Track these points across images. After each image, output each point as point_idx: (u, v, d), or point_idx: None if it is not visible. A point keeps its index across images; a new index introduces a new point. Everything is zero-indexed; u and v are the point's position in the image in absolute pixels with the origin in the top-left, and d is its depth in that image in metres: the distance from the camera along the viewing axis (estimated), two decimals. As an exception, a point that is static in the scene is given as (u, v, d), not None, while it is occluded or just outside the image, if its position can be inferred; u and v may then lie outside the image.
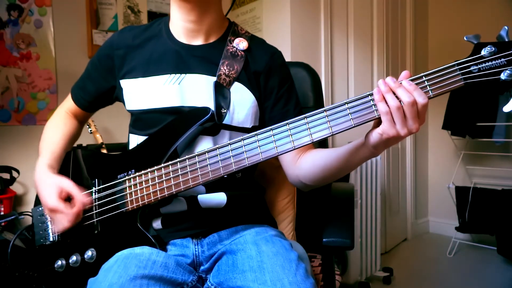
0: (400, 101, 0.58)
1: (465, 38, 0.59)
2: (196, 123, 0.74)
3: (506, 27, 0.57)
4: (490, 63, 0.57)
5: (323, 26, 2.04)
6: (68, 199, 0.76)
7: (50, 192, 0.75)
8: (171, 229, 0.80)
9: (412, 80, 0.59)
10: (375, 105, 0.60)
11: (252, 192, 0.89)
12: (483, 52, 0.57)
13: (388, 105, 0.59)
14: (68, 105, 0.95)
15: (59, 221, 0.74)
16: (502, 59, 0.56)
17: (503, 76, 0.56)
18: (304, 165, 0.80)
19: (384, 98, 0.59)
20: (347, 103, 0.62)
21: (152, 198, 0.72)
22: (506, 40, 0.57)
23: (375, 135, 0.62)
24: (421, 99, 0.58)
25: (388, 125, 0.59)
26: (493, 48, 0.57)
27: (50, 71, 1.87)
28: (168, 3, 1.60)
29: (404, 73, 0.60)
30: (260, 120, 0.87)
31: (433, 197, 2.96)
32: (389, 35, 2.48)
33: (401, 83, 0.59)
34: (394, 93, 0.59)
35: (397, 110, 0.58)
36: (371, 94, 0.61)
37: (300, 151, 0.82)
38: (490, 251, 2.35)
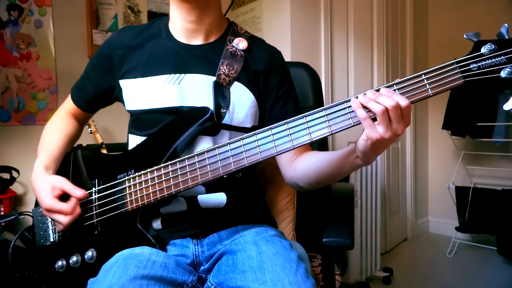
0: (383, 106, 0.58)
1: (465, 36, 0.59)
2: (195, 123, 0.74)
3: (506, 25, 0.57)
4: (490, 60, 0.56)
5: (323, 26, 2.04)
6: (64, 197, 0.76)
7: (45, 193, 0.74)
8: (171, 229, 0.79)
9: (411, 78, 0.59)
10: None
11: (252, 192, 0.89)
12: (483, 49, 0.57)
13: (365, 111, 0.59)
14: (68, 106, 0.95)
15: (58, 219, 0.74)
16: (502, 57, 0.56)
17: (503, 74, 0.55)
18: (299, 167, 0.80)
19: (361, 105, 0.59)
20: (346, 102, 0.62)
21: (152, 198, 0.72)
22: (506, 37, 0.56)
23: (361, 142, 0.62)
24: (402, 102, 0.58)
25: (370, 129, 0.60)
26: (493, 46, 0.56)
27: (50, 71, 1.87)
28: (168, 3, 1.59)
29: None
30: (260, 120, 0.87)
31: (433, 197, 2.96)
32: (389, 35, 2.48)
33: (380, 92, 0.59)
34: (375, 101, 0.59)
35: (382, 114, 0.58)
36: None
37: (297, 152, 0.82)
38: (490, 251, 2.35)
